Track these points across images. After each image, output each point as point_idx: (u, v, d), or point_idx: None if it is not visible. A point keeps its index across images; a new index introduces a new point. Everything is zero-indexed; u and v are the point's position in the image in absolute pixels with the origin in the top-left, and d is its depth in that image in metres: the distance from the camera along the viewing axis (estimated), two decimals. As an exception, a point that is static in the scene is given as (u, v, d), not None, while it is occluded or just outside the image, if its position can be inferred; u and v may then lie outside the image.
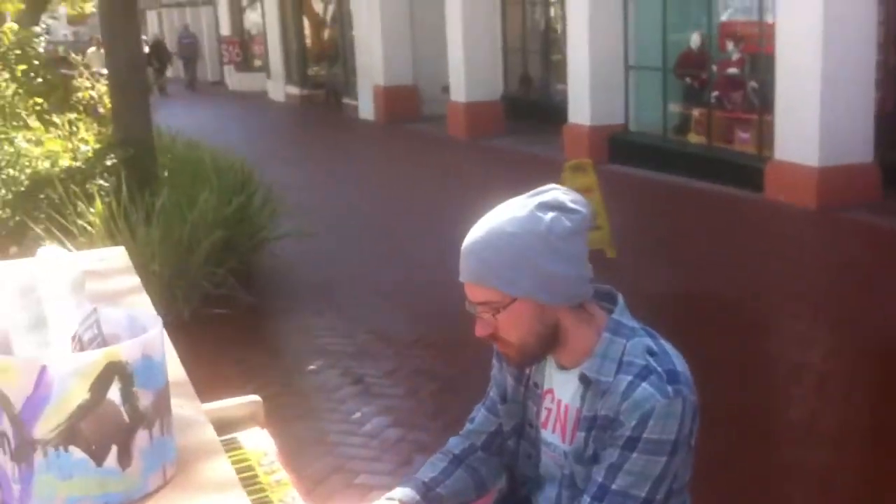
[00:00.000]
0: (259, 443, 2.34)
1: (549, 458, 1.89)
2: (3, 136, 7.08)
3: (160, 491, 1.12)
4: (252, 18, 28.24)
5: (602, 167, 10.48)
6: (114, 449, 1.08)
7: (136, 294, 2.02)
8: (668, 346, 1.78)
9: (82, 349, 1.11)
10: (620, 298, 1.85)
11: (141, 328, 1.19)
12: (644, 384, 1.69)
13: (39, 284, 1.08)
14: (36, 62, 6.74)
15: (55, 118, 6.99)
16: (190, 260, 5.87)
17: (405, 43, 16.56)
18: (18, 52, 6.57)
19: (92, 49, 20.37)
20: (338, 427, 4.25)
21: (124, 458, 1.08)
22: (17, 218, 6.09)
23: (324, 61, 21.68)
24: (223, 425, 2.41)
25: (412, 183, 10.95)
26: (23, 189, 6.30)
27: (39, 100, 6.82)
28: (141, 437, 1.10)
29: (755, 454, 3.87)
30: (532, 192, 1.79)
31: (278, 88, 23.47)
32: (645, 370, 1.70)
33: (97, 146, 6.93)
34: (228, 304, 5.95)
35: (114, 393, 1.07)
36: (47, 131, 6.94)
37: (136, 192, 6.09)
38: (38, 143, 6.88)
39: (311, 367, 5.11)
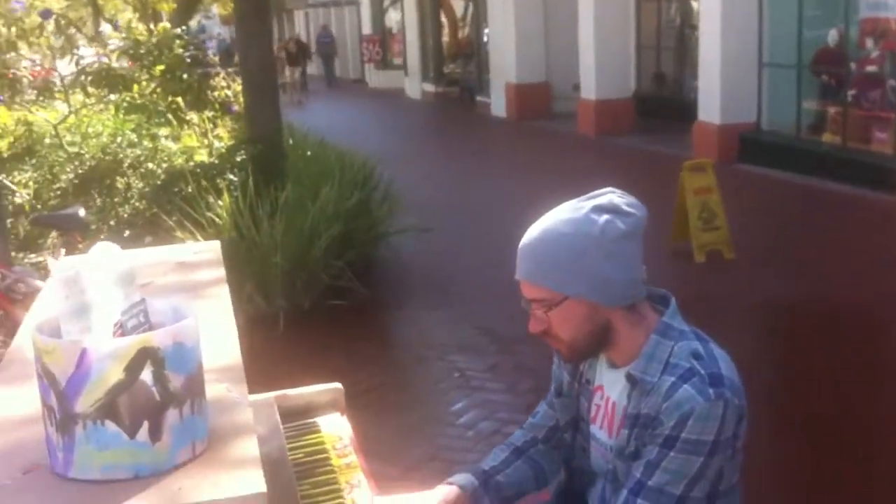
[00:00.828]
0: (336, 428, 2.48)
1: (597, 453, 1.95)
2: (145, 132, 7.52)
3: (187, 465, 1.24)
4: (393, 17, 28.79)
5: (731, 167, 10.30)
6: (145, 424, 1.20)
7: (219, 286, 2.17)
8: (717, 351, 1.80)
9: (125, 335, 1.24)
10: (673, 302, 1.88)
11: (182, 318, 1.31)
12: (686, 386, 1.72)
13: (83, 277, 1.21)
14: (175, 62, 7.12)
15: (191, 116, 7.37)
16: (310, 252, 6.09)
17: (538, 41, 16.57)
18: (157, 53, 6.96)
19: None
20: (437, 417, 4.37)
21: (155, 433, 1.21)
22: (153, 210, 6.45)
23: (459, 59, 21.90)
24: (306, 410, 2.57)
25: (535, 181, 10.95)
26: (159, 183, 6.67)
27: (177, 98, 7.21)
28: (171, 415, 1.22)
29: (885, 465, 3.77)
30: (588, 194, 1.85)
31: (415, 86, 23.86)
32: (688, 372, 1.74)
33: (230, 143, 7.26)
34: (345, 295, 6.16)
35: (146, 375, 1.19)
36: (183, 128, 7.32)
37: (262, 187, 6.36)
38: (176, 139, 7.26)
39: (418, 359, 5.26)
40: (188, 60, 7.58)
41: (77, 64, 6.95)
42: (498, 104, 17.64)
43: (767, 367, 4.90)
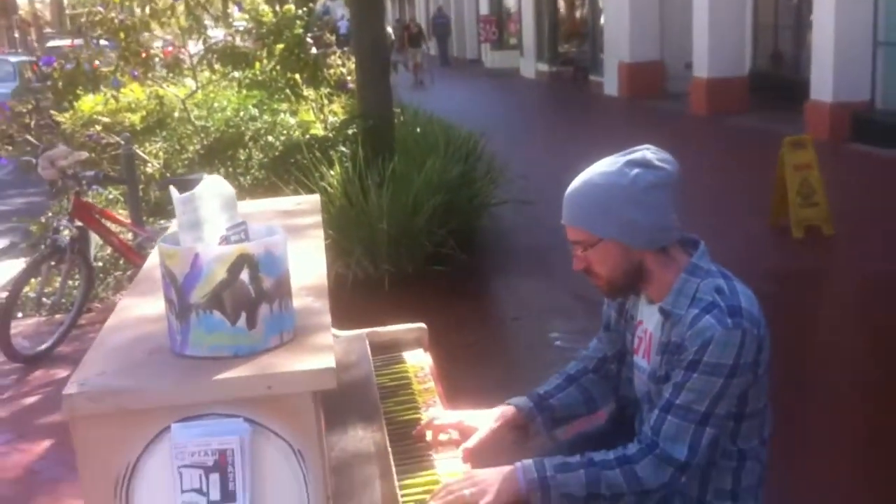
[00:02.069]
0: (419, 360, 2.80)
1: (639, 381, 2.21)
2: (266, 107, 7.99)
3: (276, 349, 1.57)
4: (510, -4, 28.97)
5: (842, 145, 10.20)
6: (243, 315, 1.53)
7: (314, 228, 2.50)
8: (740, 287, 2.04)
9: (228, 245, 1.58)
10: (702, 245, 2.13)
11: (273, 234, 1.65)
12: (708, 316, 1.97)
13: (196, 198, 1.55)
14: (294, 42, 7.54)
15: (308, 92, 7.80)
16: (414, 220, 6.44)
17: (652, 19, 16.54)
18: (278, 33, 7.39)
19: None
20: (525, 376, 4.64)
21: (251, 322, 1.54)
22: (271, 179, 6.90)
23: (574, 39, 21.96)
24: (394, 345, 2.91)
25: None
26: (277, 154, 7.12)
27: (294, 75, 7.65)
28: (264, 309, 1.55)
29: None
30: (625, 151, 2.11)
31: (529, 65, 24.02)
32: (710, 305, 1.98)
33: (343, 118, 7.67)
34: (447, 262, 6.49)
35: (244, 275, 1.52)
36: (300, 104, 7.76)
37: (372, 159, 6.74)
38: (294, 114, 7.71)
39: (512, 321, 5.56)
40: (309, 40, 8.00)
41: (204, 43, 7.46)
42: (610, 83, 17.69)
43: (862, 339, 5.00)
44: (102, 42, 7.75)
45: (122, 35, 6.83)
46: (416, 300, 5.99)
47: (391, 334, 2.93)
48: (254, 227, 1.68)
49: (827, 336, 5.21)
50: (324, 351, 1.56)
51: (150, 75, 7.35)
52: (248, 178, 7.19)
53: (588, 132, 13.92)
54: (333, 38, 8.64)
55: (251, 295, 1.53)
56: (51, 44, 20.57)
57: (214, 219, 1.58)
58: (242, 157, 7.38)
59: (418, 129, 8.13)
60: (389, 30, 22.67)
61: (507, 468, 2.02)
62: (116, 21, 6.74)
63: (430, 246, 6.50)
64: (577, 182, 2.10)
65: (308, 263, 2.09)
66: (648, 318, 2.17)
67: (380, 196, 6.44)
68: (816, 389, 4.37)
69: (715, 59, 13.67)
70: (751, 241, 6.96)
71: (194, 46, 7.65)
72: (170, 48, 7.99)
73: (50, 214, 7.43)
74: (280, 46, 7.41)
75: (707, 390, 1.97)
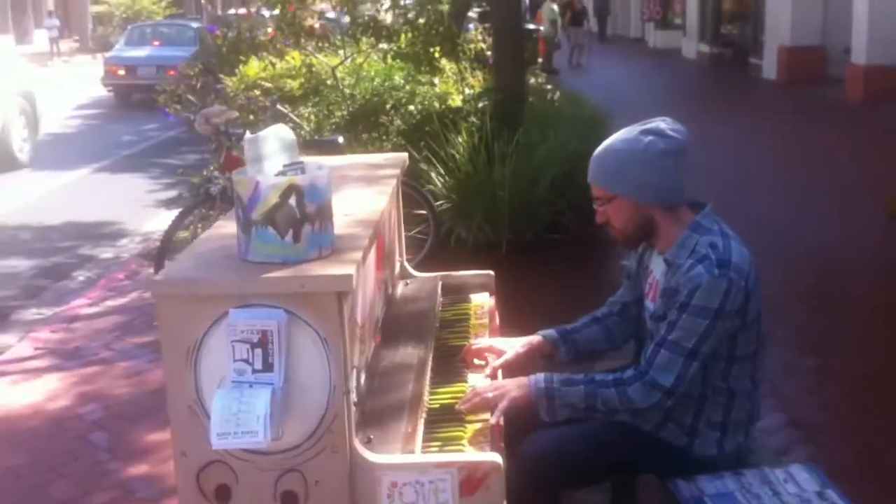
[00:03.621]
0: (482, 301, 3.21)
1: (649, 321, 2.54)
2: (411, 78, 8.49)
3: (315, 260, 2.01)
4: (678, -24, 28.55)
5: None
6: (291, 231, 1.98)
7: (388, 179, 2.92)
8: (735, 245, 2.36)
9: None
10: (708, 207, 2.45)
11: (321, 170, 2.09)
12: (699, 266, 2.30)
13: (260, 139, 2.01)
14: (436, 17, 8.00)
15: (445, 65, 8.26)
16: (534, 190, 6.80)
17: (816, 2, 16.15)
18: (420, 8, 7.87)
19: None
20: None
21: (296, 237, 1.98)
22: (407, 145, 7.40)
23: (737, 20, 21.58)
24: (464, 288, 3.32)
25: (780, 144, 11.10)
26: (413, 122, 7.61)
27: (435, 49, 8.11)
28: (307, 228, 1.99)
29: None
30: (643, 121, 2.45)
31: (691, 46, 23.75)
32: (703, 257, 2.32)
33: (478, 91, 8.09)
34: (565, 230, 6.83)
35: (292, 200, 1.97)
36: (438, 76, 8.23)
37: (500, 131, 7.13)
38: (432, 85, 8.18)
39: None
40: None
41: (350, 16, 8.02)
42: (769, 67, 17.39)
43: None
44: (265, 12, 8.42)
45: (277, 6, 7.46)
46: (532, 266, 6.38)
47: (461, 278, 3.36)
48: (310, 166, 2.13)
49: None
50: (349, 264, 1.99)
51: (302, 43, 7.96)
52: (388, 143, 7.71)
53: (732, 115, 13.86)
54: (475, 14, 9.04)
55: (297, 216, 1.98)
56: (231, 11, 21.86)
57: (274, 157, 2.04)
58: (385, 124, 7.90)
59: (551, 103, 8.45)
60: (555, 7, 22.82)
61: (524, 378, 2.43)
62: (274, -7, 7.36)
63: (549, 215, 6.84)
64: (600, 147, 2.47)
65: (368, 203, 2.54)
66: (657, 268, 2.51)
67: (503, 166, 6.82)
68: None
69: (873, 45, 13.30)
70: (867, 227, 7.01)
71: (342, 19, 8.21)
72: (323, 22, 8.59)
73: (211, 168, 8.19)
74: (422, 21, 7.88)
75: (694, 329, 2.30)
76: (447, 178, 6.86)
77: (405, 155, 3.40)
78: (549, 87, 11.49)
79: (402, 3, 8.20)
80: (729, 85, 17.98)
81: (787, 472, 2.45)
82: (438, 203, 6.65)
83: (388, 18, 8.17)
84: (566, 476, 2.45)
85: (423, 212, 6.39)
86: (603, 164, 2.43)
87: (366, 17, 7.93)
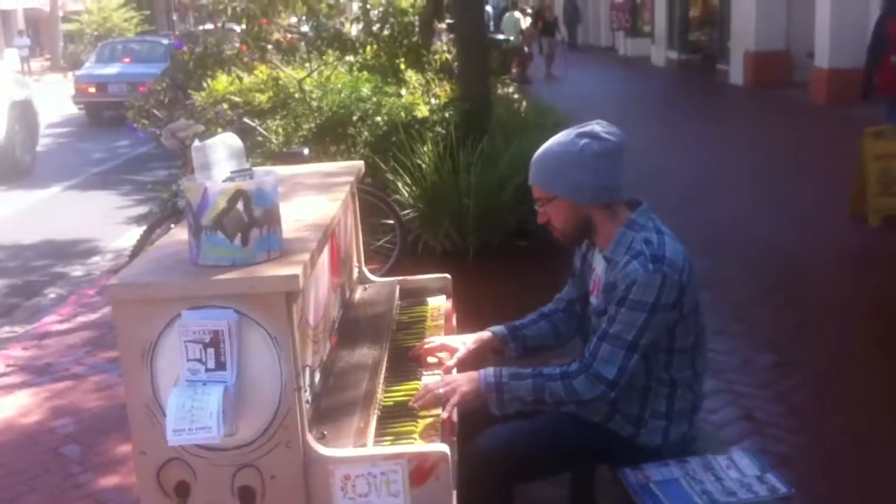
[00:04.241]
0: (438, 303, 3.30)
1: (592, 316, 2.64)
2: (377, 90, 8.58)
3: (264, 263, 2.09)
4: (646, -17, 28.84)
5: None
6: (239, 235, 2.06)
7: (342, 186, 3.00)
8: (668, 241, 2.46)
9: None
10: (644, 205, 2.55)
11: (269, 176, 2.17)
12: (634, 262, 2.40)
13: (208, 148, 2.09)
14: (402, 29, 8.10)
15: (409, 75, 8.36)
16: (499, 197, 6.90)
17: (779, 8, 16.40)
18: (384, 21, 7.97)
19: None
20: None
21: (245, 241, 2.06)
22: (374, 156, 7.49)
23: (704, 27, 21.84)
24: (421, 291, 3.40)
25: (746, 147, 11.28)
26: (380, 134, 7.70)
27: (399, 61, 8.21)
28: (255, 232, 2.07)
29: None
30: (579, 125, 2.55)
31: (660, 53, 24.01)
32: (638, 253, 2.42)
33: (444, 101, 8.19)
34: (529, 236, 6.93)
35: (240, 205, 2.05)
36: (403, 88, 8.33)
37: (466, 140, 7.23)
38: (398, 96, 8.27)
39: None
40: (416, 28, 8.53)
41: (315, 30, 8.11)
42: (736, 72, 17.62)
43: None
44: (230, 26, 8.50)
45: (244, 21, 7.54)
46: (498, 271, 6.47)
47: (419, 282, 3.44)
48: (258, 172, 2.21)
49: None
50: (297, 265, 2.07)
51: (267, 57, 8.04)
52: (355, 155, 7.79)
53: (698, 120, 14.05)
54: (444, 26, 9.16)
55: (245, 220, 2.07)
56: (203, 27, 21.90)
57: (223, 164, 2.12)
58: (353, 135, 7.98)
59: (517, 112, 8.56)
60: (517, 15, 22.95)
61: (473, 373, 2.52)
62: (238, 9, 7.45)
63: (514, 222, 6.94)
64: (539, 150, 2.57)
65: (319, 209, 2.62)
66: (599, 265, 2.61)
67: (468, 174, 6.92)
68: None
69: (836, 49, 13.51)
70: (829, 227, 7.16)
71: (307, 31, 8.30)
72: (289, 35, 8.67)
73: (179, 182, 8.24)
74: (386, 33, 7.98)
75: (633, 322, 2.40)
76: (413, 187, 6.95)
77: (360, 163, 3.49)
78: (516, 96, 11.64)
79: (367, 15, 8.29)
80: (696, 90, 18.20)
81: (730, 458, 2.55)
82: (405, 212, 6.74)
83: (353, 31, 8.26)
84: (518, 469, 2.54)
85: (390, 221, 6.48)
86: (541, 167, 2.53)
87: (331, 31, 8.02)
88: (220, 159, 2.12)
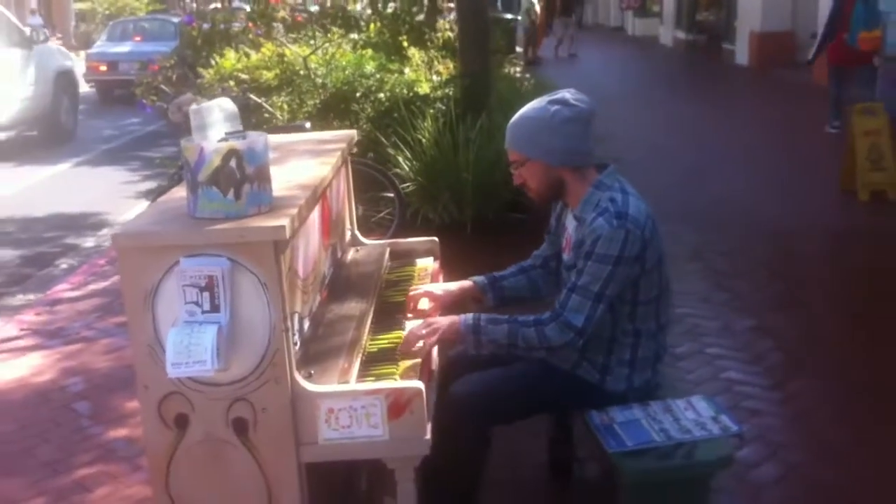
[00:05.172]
0: (426, 264, 3.50)
1: (564, 272, 2.84)
2: (380, 67, 8.76)
3: (254, 216, 2.30)
4: (655, -36, 28.86)
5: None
6: (232, 190, 2.27)
7: (333, 152, 3.20)
8: (632, 200, 2.66)
9: (228, 144, 2.32)
10: (610, 167, 2.75)
11: (260, 138, 2.37)
12: (600, 219, 2.60)
13: (204, 111, 2.29)
14: (406, 6, 8.27)
15: (412, 53, 8.54)
16: (496, 171, 7.08)
17: (784, -13, 16.49)
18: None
19: None
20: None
21: (237, 195, 2.27)
22: (376, 132, 7.68)
23: (712, 7, 21.90)
24: (410, 254, 3.61)
25: (744, 126, 11.46)
26: (382, 109, 7.88)
27: (402, 39, 8.39)
28: (246, 187, 2.28)
29: None
30: (551, 92, 2.74)
31: (668, 33, 24.08)
32: (604, 210, 2.62)
33: (446, 78, 8.37)
34: (525, 210, 7.11)
35: (233, 163, 2.26)
36: (406, 65, 8.51)
37: (465, 116, 7.40)
38: (401, 73, 8.46)
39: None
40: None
41: (319, 7, 8.30)
42: (742, 52, 17.72)
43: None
44: (238, 4, 8.68)
45: (250, -1, 7.75)
46: (494, 243, 6.65)
47: (409, 244, 3.65)
48: (251, 133, 2.41)
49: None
50: (284, 217, 2.28)
51: (273, 34, 8.23)
52: (359, 130, 7.98)
53: (703, 100, 14.20)
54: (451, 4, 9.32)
55: (237, 177, 2.27)
56: (212, 6, 22.08)
57: (218, 126, 2.33)
58: (356, 111, 8.17)
59: (518, 90, 8.73)
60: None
61: (455, 317, 2.73)
62: (246, -14, 7.64)
63: (510, 195, 7.13)
64: (515, 116, 2.77)
65: (309, 171, 2.83)
66: (570, 224, 2.81)
67: (467, 149, 7.10)
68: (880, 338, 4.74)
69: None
70: (819, 202, 7.34)
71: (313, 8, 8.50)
72: (298, 13, 8.86)
73: (186, 156, 8.44)
74: (389, 12, 8.16)
75: (599, 274, 2.60)
76: (413, 161, 7.14)
77: (353, 132, 3.69)
78: (523, 75, 11.79)
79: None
80: (702, 71, 18.32)
81: (688, 401, 2.76)
82: (405, 185, 6.93)
83: (357, 8, 8.44)
84: (494, 414, 2.75)
85: (390, 195, 6.68)
86: (516, 131, 2.74)
87: (334, 9, 8.21)
88: (216, 121, 2.32)
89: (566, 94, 2.72)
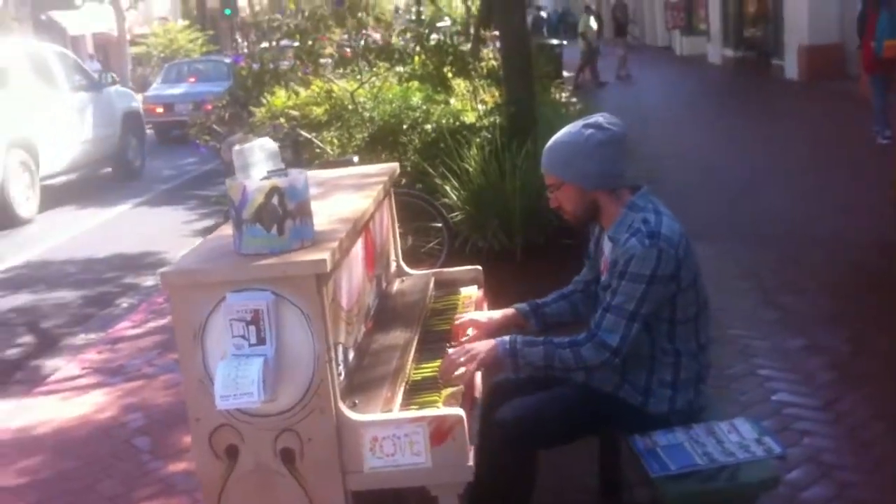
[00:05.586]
0: (470, 293, 3.56)
1: (600, 292, 2.87)
2: (427, 98, 8.87)
3: (297, 250, 2.38)
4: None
5: None
6: (275, 226, 2.35)
7: (375, 185, 3.28)
8: (666, 220, 2.70)
9: (270, 183, 2.40)
10: (644, 188, 2.79)
11: (300, 175, 2.45)
12: (633, 239, 2.65)
13: (246, 151, 2.38)
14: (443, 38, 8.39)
15: (457, 83, 8.64)
16: (544, 197, 7.11)
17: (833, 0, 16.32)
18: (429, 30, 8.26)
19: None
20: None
21: (281, 231, 2.35)
22: (423, 163, 7.78)
23: (759, 23, 21.74)
24: (454, 283, 3.67)
25: (793, 140, 11.36)
26: (429, 140, 7.99)
27: (446, 69, 8.50)
28: (289, 223, 2.36)
29: None
30: (585, 117, 2.80)
31: (716, 51, 23.94)
32: (637, 231, 2.66)
33: (490, 106, 8.45)
34: (575, 234, 7.13)
35: (275, 200, 2.34)
36: (451, 95, 8.62)
37: (511, 143, 7.47)
38: (446, 103, 8.56)
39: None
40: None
41: (364, 42, 8.45)
42: (791, 66, 17.57)
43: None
44: (285, 43, 8.88)
45: (297, 37, 7.91)
46: (544, 269, 6.68)
47: (453, 274, 3.72)
48: (292, 171, 2.50)
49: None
50: (325, 251, 2.36)
51: (320, 71, 8.39)
52: (407, 162, 8.09)
53: (753, 117, 14.10)
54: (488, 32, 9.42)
55: (279, 213, 2.36)
56: (262, 45, 22.47)
57: (260, 165, 2.42)
58: (405, 142, 8.28)
59: (564, 115, 8.78)
60: (591, 20, 22.46)
61: (492, 341, 2.79)
62: (292, 25, 7.82)
63: (558, 220, 7.15)
64: (550, 141, 2.83)
65: (351, 205, 2.91)
66: (606, 246, 2.85)
67: (514, 176, 7.16)
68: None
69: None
70: (872, 215, 7.28)
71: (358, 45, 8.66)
72: (346, 48, 9.02)
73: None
74: (432, 43, 8.28)
75: (632, 293, 2.64)
76: (461, 190, 7.21)
77: (395, 165, 3.77)
78: (573, 100, 11.84)
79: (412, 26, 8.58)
80: (751, 87, 18.16)
81: (732, 424, 2.76)
82: (454, 214, 7.00)
83: (400, 41, 8.58)
84: (538, 437, 2.79)
85: (438, 224, 6.75)
86: (552, 156, 2.80)
87: (379, 43, 8.35)
88: (258, 161, 2.41)
89: (599, 117, 2.77)
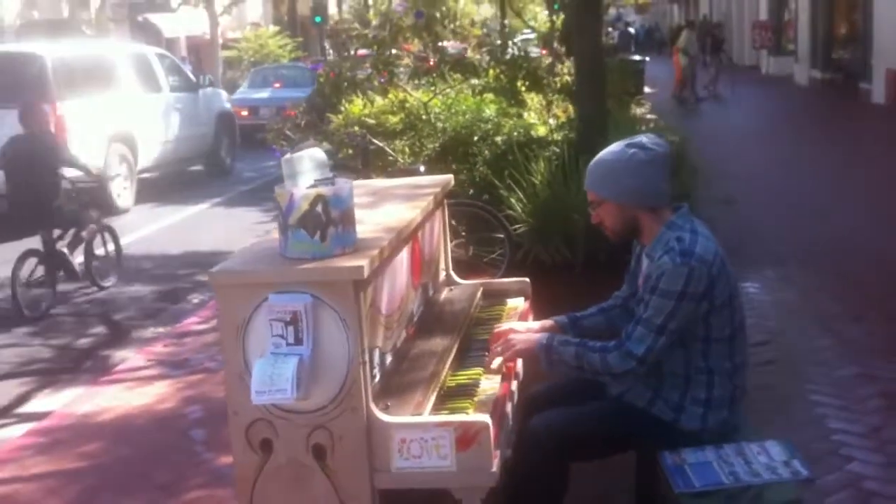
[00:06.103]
0: (516, 304, 3.63)
1: (635, 306, 2.92)
2: (500, 111, 8.97)
3: (338, 256, 2.49)
4: (791, 2, 28.27)
5: None
6: (318, 232, 2.46)
7: (426, 196, 3.38)
8: (701, 240, 2.75)
9: (316, 190, 2.52)
10: (685, 207, 2.83)
11: (346, 184, 2.56)
12: (665, 256, 2.71)
13: (295, 160, 2.50)
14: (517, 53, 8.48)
15: (531, 97, 8.72)
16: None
17: (923, 24, 15.94)
18: (504, 45, 8.37)
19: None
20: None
21: (323, 238, 2.46)
22: (491, 175, 7.87)
23: (847, 45, 21.30)
24: (502, 293, 3.74)
25: (873, 166, 11.15)
26: (498, 152, 8.07)
27: (516, 82, 8.60)
28: (332, 230, 2.47)
29: None
30: (630, 136, 2.86)
31: (803, 72, 23.53)
32: (671, 249, 2.72)
33: (561, 121, 8.51)
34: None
35: (319, 208, 2.45)
36: (523, 108, 8.70)
37: (579, 158, 7.51)
38: (519, 117, 8.64)
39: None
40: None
41: (439, 54, 8.59)
42: (878, 91, 17.18)
43: None
44: (362, 52, 9.08)
45: (375, 47, 8.09)
46: (603, 284, 6.70)
47: (501, 284, 3.80)
48: (339, 180, 2.61)
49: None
50: (364, 258, 2.46)
51: (394, 81, 8.56)
52: (476, 173, 8.18)
53: (831, 140, 13.87)
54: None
55: (323, 220, 2.47)
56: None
57: (308, 173, 2.53)
58: (476, 153, 8.39)
59: (637, 131, 8.78)
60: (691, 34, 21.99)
61: (532, 335, 2.94)
62: (370, 36, 8.00)
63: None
64: (594, 159, 2.90)
65: (398, 214, 3.01)
66: (644, 261, 2.90)
67: (579, 191, 7.19)
68: None
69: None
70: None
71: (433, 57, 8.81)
72: (429, 59, 9.17)
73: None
74: (507, 57, 8.38)
75: (662, 308, 2.69)
76: (526, 203, 7.28)
77: (449, 177, 3.86)
78: (649, 116, 11.81)
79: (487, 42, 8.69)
80: (836, 110, 17.82)
81: (762, 445, 2.78)
82: (517, 227, 7.07)
83: (476, 56, 8.70)
84: (569, 448, 2.84)
85: (500, 235, 6.83)
86: (595, 173, 2.86)
87: (453, 56, 8.49)
88: (306, 170, 2.53)
89: (643, 138, 2.83)
